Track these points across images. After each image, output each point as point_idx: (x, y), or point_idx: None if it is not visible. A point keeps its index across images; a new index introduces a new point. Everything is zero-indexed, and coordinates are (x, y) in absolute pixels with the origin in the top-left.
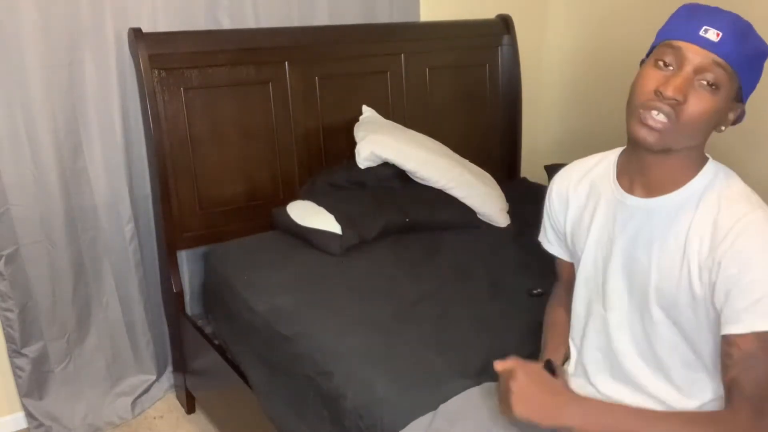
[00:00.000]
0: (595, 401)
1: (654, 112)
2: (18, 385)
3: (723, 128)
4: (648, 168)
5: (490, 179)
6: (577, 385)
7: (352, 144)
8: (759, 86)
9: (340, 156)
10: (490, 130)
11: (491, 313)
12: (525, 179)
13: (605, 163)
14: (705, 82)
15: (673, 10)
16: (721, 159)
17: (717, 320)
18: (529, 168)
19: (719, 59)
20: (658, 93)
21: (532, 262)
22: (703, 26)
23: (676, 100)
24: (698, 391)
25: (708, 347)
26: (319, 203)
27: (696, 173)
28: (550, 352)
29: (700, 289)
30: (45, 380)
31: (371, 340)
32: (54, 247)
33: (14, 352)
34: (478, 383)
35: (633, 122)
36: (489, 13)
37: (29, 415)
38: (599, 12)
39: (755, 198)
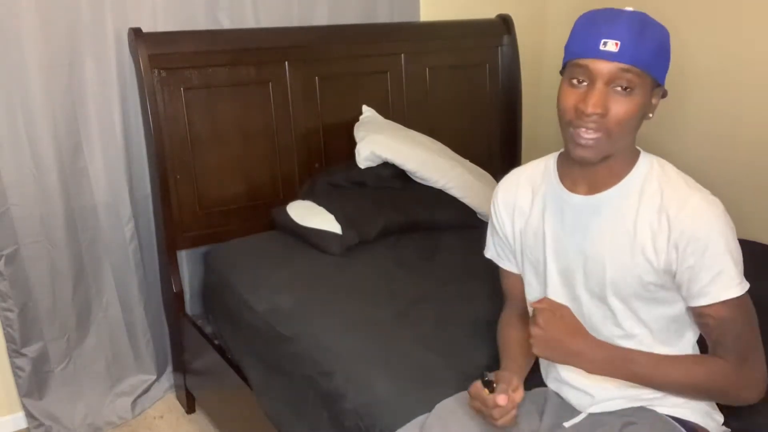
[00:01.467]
0: (610, 345)
1: (582, 130)
2: (18, 385)
3: (651, 115)
4: (587, 170)
5: (490, 179)
6: None
7: (352, 144)
8: (669, 81)
9: (340, 156)
10: (490, 130)
11: (491, 313)
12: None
13: (544, 166)
14: (619, 88)
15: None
16: (650, 150)
17: (670, 299)
18: None
19: (624, 66)
20: (579, 111)
21: None
22: (601, 40)
23: (597, 114)
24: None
25: (663, 321)
26: (319, 203)
27: (632, 165)
28: (504, 369)
29: (653, 275)
30: (45, 380)
31: (371, 340)
32: (54, 247)
33: (14, 352)
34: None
35: (568, 142)
36: (489, 13)
37: (29, 415)
38: None
39: (691, 181)
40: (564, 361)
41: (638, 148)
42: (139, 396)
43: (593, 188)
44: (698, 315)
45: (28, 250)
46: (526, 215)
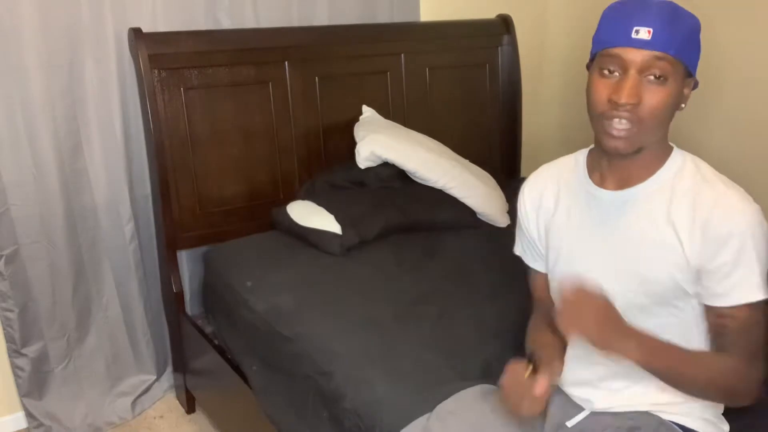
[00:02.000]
0: (650, 336)
1: (615, 121)
2: (18, 385)
3: (683, 106)
4: (619, 164)
5: (490, 179)
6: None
7: (352, 144)
8: (702, 75)
9: (340, 156)
10: (490, 130)
11: (491, 313)
12: (525, 179)
13: (572, 162)
14: (652, 77)
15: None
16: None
17: (684, 299)
18: (529, 168)
19: (658, 53)
20: (612, 102)
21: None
22: (633, 27)
23: (632, 104)
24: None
25: (673, 327)
26: (319, 203)
27: (664, 160)
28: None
29: (685, 272)
30: (45, 380)
31: (371, 340)
32: (54, 247)
33: (14, 352)
34: (478, 383)
35: (599, 133)
36: (489, 13)
37: (29, 415)
38: (599, 12)
39: (727, 180)
40: (604, 346)
41: (671, 144)
42: (139, 396)
43: (623, 183)
44: (718, 315)
45: (28, 250)
46: (551, 211)
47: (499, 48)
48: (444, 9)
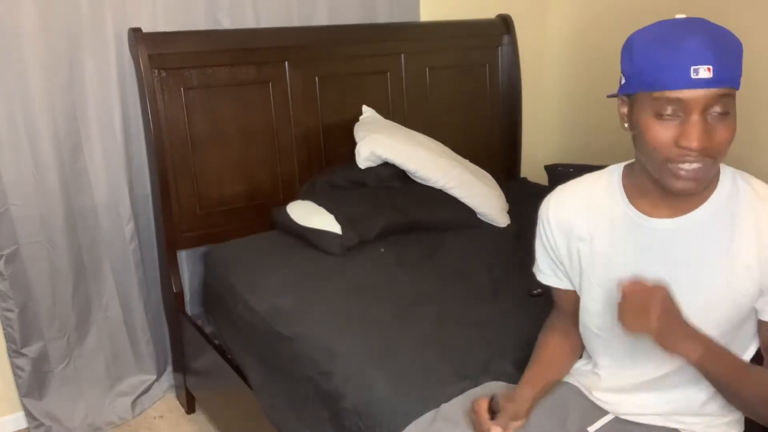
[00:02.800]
0: (712, 340)
1: (686, 164)
2: (18, 385)
3: None
4: (677, 195)
5: (490, 179)
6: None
7: (352, 144)
8: (754, 89)
9: (340, 156)
10: (490, 130)
11: (491, 313)
12: (525, 179)
13: (602, 185)
14: (717, 114)
15: (673, 12)
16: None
17: (747, 318)
18: (529, 168)
19: (721, 91)
20: (682, 146)
21: (532, 262)
22: (690, 67)
23: (705, 147)
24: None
25: (730, 338)
26: (319, 203)
27: (715, 182)
28: (526, 382)
29: (750, 297)
30: (45, 380)
31: (371, 340)
32: (54, 247)
33: (14, 352)
34: (478, 383)
35: (666, 177)
36: (489, 13)
37: (29, 415)
38: (599, 12)
39: None
40: (668, 345)
41: None
42: (139, 396)
43: (676, 211)
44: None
45: (28, 250)
46: (586, 240)
47: (499, 48)
48: (444, 9)
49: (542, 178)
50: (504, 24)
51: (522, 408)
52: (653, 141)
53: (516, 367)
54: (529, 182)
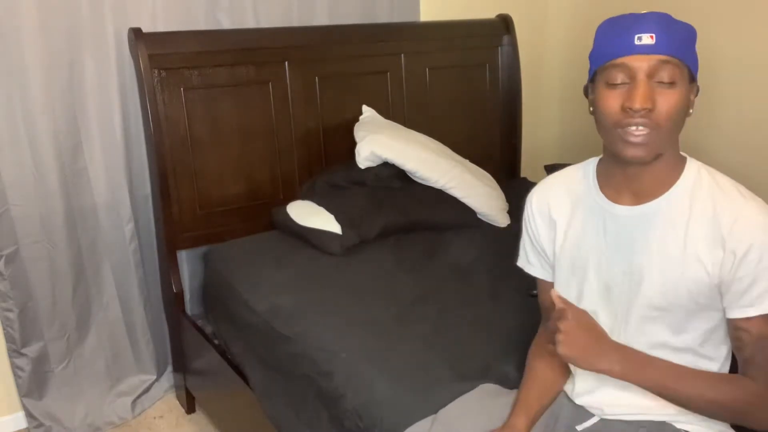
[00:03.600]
0: (636, 352)
1: (632, 128)
2: (18, 385)
3: (691, 111)
4: (635, 177)
5: (490, 179)
6: None
7: (352, 144)
8: (702, 80)
9: (340, 156)
10: (490, 130)
11: (491, 313)
12: (525, 179)
13: (581, 175)
14: (663, 82)
15: (669, 10)
16: (692, 151)
17: (710, 308)
18: (529, 168)
19: (664, 57)
20: (626, 109)
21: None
22: (634, 35)
23: (647, 108)
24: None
25: (696, 333)
26: (319, 203)
27: (679, 172)
28: (520, 410)
29: (705, 286)
30: (45, 380)
31: (371, 340)
32: (54, 247)
33: (14, 352)
34: (477, 384)
35: (616, 143)
36: (489, 13)
37: (29, 415)
38: (599, 12)
39: (743, 189)
40: (587, 365)
41: (684, 154)
42: (139, 396)
43: (639, 198)
44: (735, 328)
45: (28, 250)
46: (563, 227)
47: (499, 48)
48: (444, 9)
49: (542, 178)
50: (504, 24)
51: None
52: (603, 108)
53: (516, 368)
54: (529, 182)
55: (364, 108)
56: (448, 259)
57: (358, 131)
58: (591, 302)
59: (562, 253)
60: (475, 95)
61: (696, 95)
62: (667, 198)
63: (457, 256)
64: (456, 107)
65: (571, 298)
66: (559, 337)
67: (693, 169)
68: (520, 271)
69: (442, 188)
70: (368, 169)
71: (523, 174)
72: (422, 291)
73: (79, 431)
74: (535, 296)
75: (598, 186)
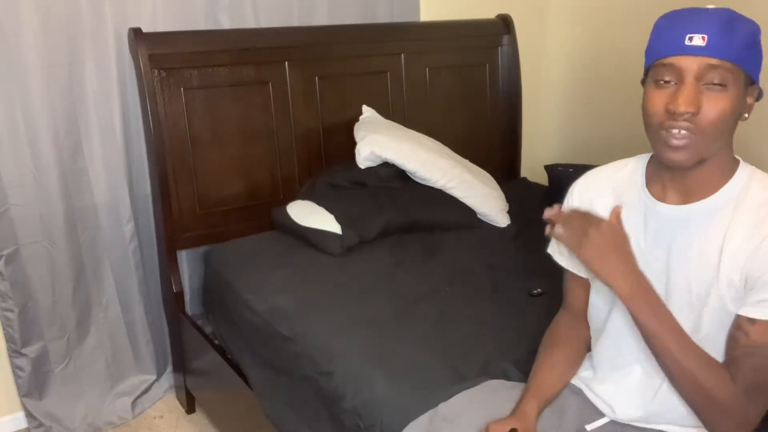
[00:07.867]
0: (653, 291)
1: (675, 131)
2: (18, 385)
3: (746, 116)
4: (682, 177)
5: (490, 179)
6: None
7: (352, 144)
8: (764, 82)
9: (340, 156)
10: (490, 130)
11: (491, 313)
12: (525, 179)
13: (628, 170)
14: (713, 85)
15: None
16: (746, 153)
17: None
18: (529, 168)
19: (714, 61)
20: (670, 112)
21: (532, 262)
22: (686, 35)
23: (690, 112)
24: None
25: (719, 345)
26: (319, 203)
27: (730, 175)
28: (532, 395)
29: (734, 290)
30: (45, 380)
31: (371, 340)
32: (54, 247)
33: (14, 352)
34: (478, 383)
35: (658, 145)
36: (489, 13)
37: (29, 415)
38: (599, 12)
39: None
40: (603, 274)
41: (738, 157)
42: (139, 396)
43: (684, 198)
44: (735, 326)
45: (28, 250)
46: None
47: (499, 48)
48: (444, 9)
49: (542, 178)
50: (504, 24)
51: (531, 426)
52: (648, 107)
53: (516, 367)
54: (529, 182)
55: (364, 108)
56: (448, 259)
57: (358, 131)
58: None
59: None
60: (475, 95)
61: (758, 99)
62: (713, 200)
63: (457, 256)
64: (456, 107)
65: (605, 293)
66: (587, 241)
67: (744, 172)
68: (520, 271)
69: (442, 188)
70: (368, 169)
71: (523, 174)
72: (422, 291)
73: (79, 431)
74: (535, 296)
75: (645, 182)
